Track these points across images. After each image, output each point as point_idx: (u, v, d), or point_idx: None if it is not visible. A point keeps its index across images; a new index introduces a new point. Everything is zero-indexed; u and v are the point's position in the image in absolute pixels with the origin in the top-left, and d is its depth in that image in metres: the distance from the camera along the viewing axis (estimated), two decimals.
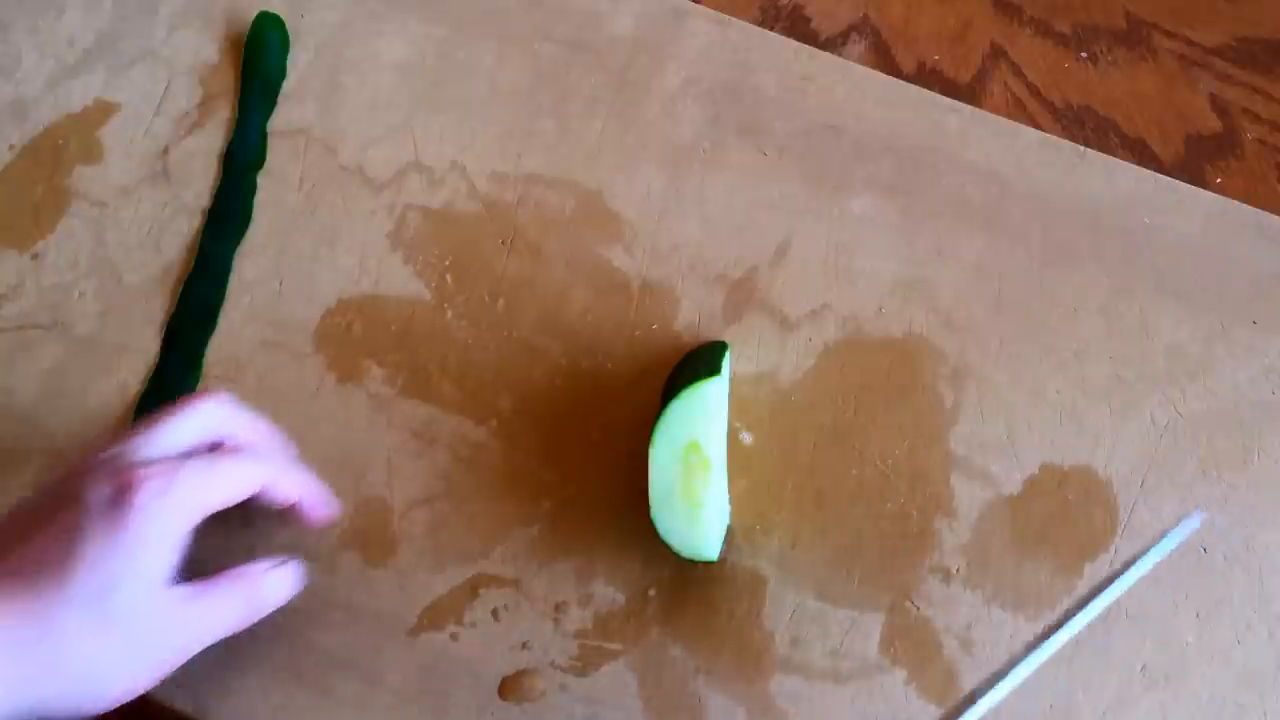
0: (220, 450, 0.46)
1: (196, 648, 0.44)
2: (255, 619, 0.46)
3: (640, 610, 0.50)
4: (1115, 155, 0.57)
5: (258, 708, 0.49)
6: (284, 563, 0.47)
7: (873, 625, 0.49)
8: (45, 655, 0.40)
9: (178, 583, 0.43)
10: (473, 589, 0.50)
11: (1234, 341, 0.53)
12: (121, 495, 0.41)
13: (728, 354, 0.52)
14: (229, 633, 0.45)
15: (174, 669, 0.43)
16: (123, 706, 0.49)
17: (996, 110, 0.59)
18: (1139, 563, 0.49)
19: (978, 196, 0.55)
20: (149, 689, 0.43)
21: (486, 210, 0.56)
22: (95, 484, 0.42)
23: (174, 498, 0.42)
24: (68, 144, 0.58)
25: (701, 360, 0.50)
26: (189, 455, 0.44)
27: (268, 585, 0.46)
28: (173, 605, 0.43)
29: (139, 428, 0.45)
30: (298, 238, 0.56)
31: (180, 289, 0.55)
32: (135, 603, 0.41)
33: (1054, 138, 0.57)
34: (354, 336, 0.54)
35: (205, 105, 0.58)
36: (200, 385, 0.54)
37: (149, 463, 0.43)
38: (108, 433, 0.52)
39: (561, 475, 0.52)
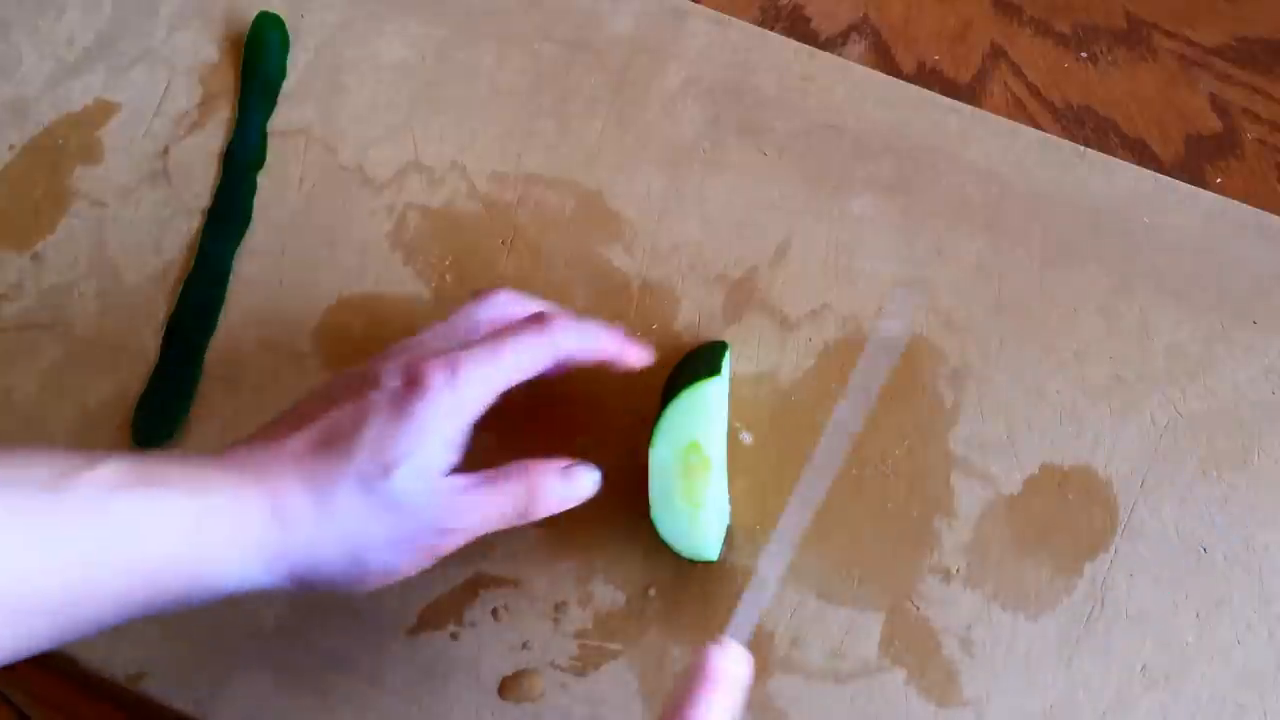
0: (504, 330, 0.46)
1: (467, 537, 0.44)
2: (532, 517, 0.45)
3: (640, 610, 0.50)
4: (1115, 155, 0.57)
5: (258, 708, 0.49)
6: (575, 464, 0.46)
7: (873, 625, 0.49)
8: (321, 523, 0.42)
9: (457, 472, 0.43)
10: (473, 589, 0.50)
11: (1234, 341, 0.53)
12: (409, 384, 0.42)
13: (728, 354, 0.52)
14: (503, 526, 0.45)
15: (441, 557, 0.44)
16: (124, 704, 0.50)
17: (996, 110, 0.59)
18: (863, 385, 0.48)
19: (978, 196, 0.55)
20: (410, 575, 0.44)
21: (486, 210, 0.56)
22: (389, 371, 0.43)
23: (458, 385, 0.43)
24: (68, 144, 0.58)
25: (701, 360, 0.50)
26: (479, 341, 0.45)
27: (552, 484, 0.45)
28: (447, 494, 0.43)
29: (442, 320, 0.48)
30: (298, 238, 0.56)
31: (180, 289, 0.55)
32: (408, 488, 0.42)
33: (1054, 138, 0.57)
34: (354, 336, 0.54)
35: (205, 105, 0.58)
36: (200, 385, 0.54)
37: (439, 352, 0.44)
38: None
39: None
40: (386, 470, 0.42)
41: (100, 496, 0.38)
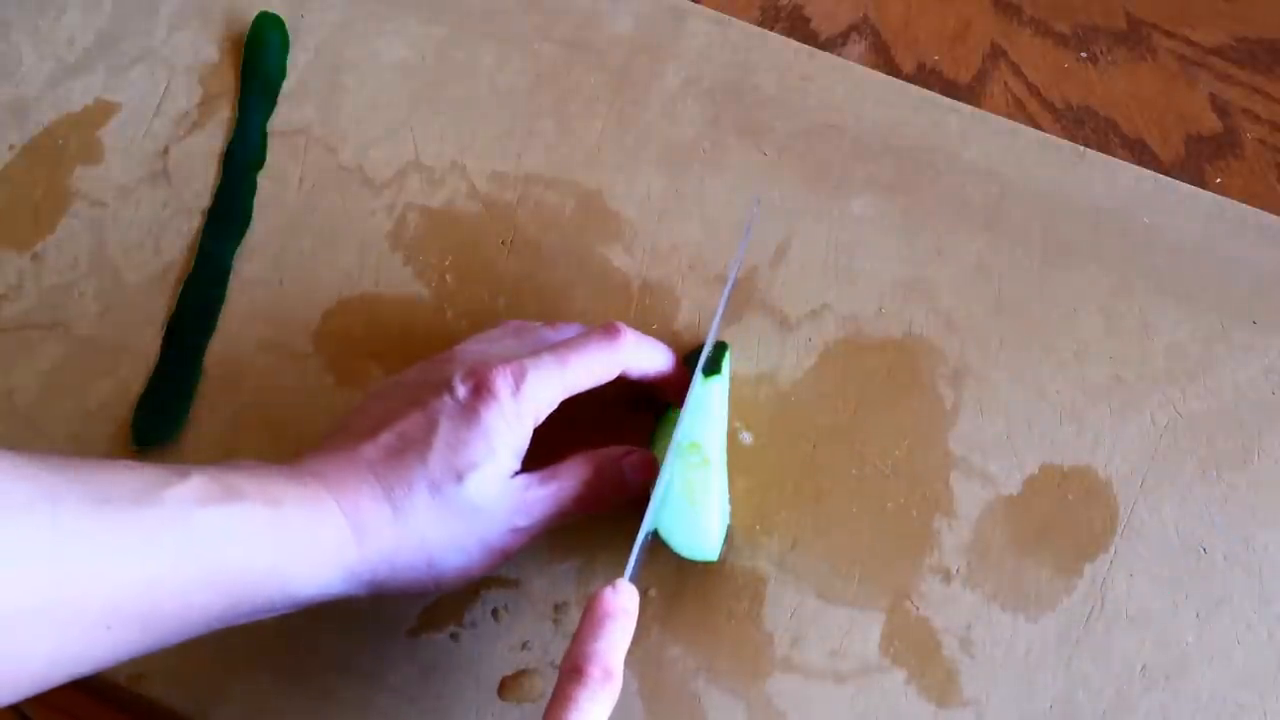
0: (573, 339, 0.47)
1: (537, 533, 0.45)
2: (598, 508, 0.46)
3: (640, 610, 0.49)
4: (1115, 155, 0.57)
5: (258, 709, 0.49)
6: (634, 451, 0.47)
7: (872, 625, 0.49)
8: (398, 531, 0.43)
9: (521, 472, 0.45)
10: (473, 589, 0.50)
11: (1234, 341, 0.53)
12: (476, 392, 0.44)
13: (728, 354, 0.52)
14: (571, 518, 0.46)
15: (512, 555, 0.45)
16: (125, 705, 0.50)
17: (996, 110, 0.59)
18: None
19: (978, 196, 0.55)
20: (483, 575, 0.45)
21: (486, 210, 0.56)
22: (456, 377, 0.44)
23: (523, 393, 0.44)
24: (68, 144, 0.58)
25: (698, 359, 0.50)
26: (547, 348, 0.46)
27: (616, 474, 0.47)
28: (516, 494, 0.44)
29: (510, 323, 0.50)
30: (298, 238, 0.56)
31: (180, 289, 0.55)
32: (480, 493, 0.43)
33: (1054, 138, 0.57)
34: (354, 337, 0.54)
35: (205, 105, 0.58)
36: (200, 385, 0.54)
37: (504, 358, 0.45)
38: None
39: None
40: (459, 476, 0.43)
41: (186, 511, 0.39)
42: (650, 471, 0.47)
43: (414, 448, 0.43)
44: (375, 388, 0.48)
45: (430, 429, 0.43)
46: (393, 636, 0.49)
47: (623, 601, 0.40)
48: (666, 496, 0.47)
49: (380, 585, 0.43)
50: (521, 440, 0.44)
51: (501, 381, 0.44)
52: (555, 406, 0.45)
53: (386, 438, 0.44)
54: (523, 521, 0.45)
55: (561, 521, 0.46)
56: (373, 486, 0.43)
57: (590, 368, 0.46)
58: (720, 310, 0.49)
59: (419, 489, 0.43)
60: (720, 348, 0.52)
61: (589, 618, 0.40)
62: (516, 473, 0.45)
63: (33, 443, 0.53)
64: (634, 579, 0.42)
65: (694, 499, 0.47)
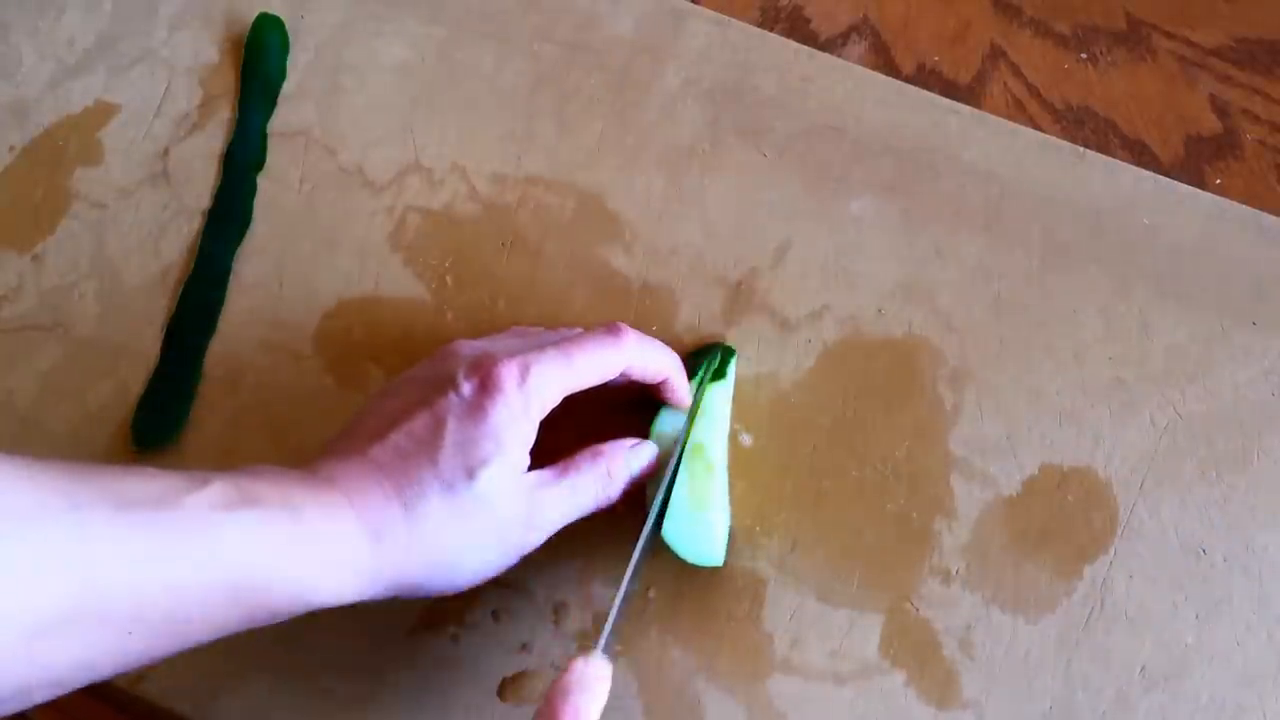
0: (577, 336, 0.47)
1: (552, 530, 0.45)
2: (610, 499, 0.47)
3: (640, 611, 0.50)
4: (1115, 156, 0.57)
5: (258, 708, 0.49)
6: (640, 443, 0.48)
7: (872, 626, 0.49)
8: (413, 533, 0.42)
9: (531, 468, 0.45)
10: (473, 590, 0.50)
11: (1234, 343, 0.53)
12: (482, 387, 0.43)
13: (733, 359, 0.52)
14: (585, 513, 0.46)
15: (527, 553, 0.45)
16: (125, 707, 0.50)
17: (996, 111, 0.59)
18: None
19: (978, 197, 0.55)
20: (500, 574, 0.45)
21: (486, 212, 0.56)
22: (461, 373, 0.44)
23: (529, 386, 0.44)
24: (68, 145, 0.58)
25: (704, 362, 0.50)
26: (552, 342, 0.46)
27: (626, 464, 0.47)
28: (530, 491, 0.44)
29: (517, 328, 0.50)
30: (298, 239, 0.56)
31: (180, 290, 0.55)
32: (493, 489, 0.43)
33: (1054, 139, 0.57)
34: (354, 338, 0.54)
35: (205, 106, 0.58)
36: (200, 386, 0.54)
37: (510, 353, 0.45)
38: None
39: None
40: (471, 473, 0.43)
41: (207, 517, 0.39)
42: (653, 464, 0.48)
43: (423, 448, 0.43)
44: (380, 387, 0.48)
45: (438, 428, 0.43)
46: (393, 637, 0.50)
47: (594, 671, 0.40)
48: (671, 503, 0.47)
49: (396, 588, 0.43)
50: (529, 433, 0.44)
51: (507, 374, 0.44)
52: (559, 401, 0.45)
53: (396, 438, 0.43)
54: (539, 519, 0.45)
55: (578, 517, 0.46)
56: (385, 489, 0.43)
57: (593, 364, 0.46)
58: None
59: (431, 490, 0.43)
60: (727, 352, 0.52)
61: (563, 687, 0.39)
62: (528, 467, 0.45)
63: (33, 444, 0.53)
64: (607, 649, 0.41)
65: (699, 504, 0.47)
